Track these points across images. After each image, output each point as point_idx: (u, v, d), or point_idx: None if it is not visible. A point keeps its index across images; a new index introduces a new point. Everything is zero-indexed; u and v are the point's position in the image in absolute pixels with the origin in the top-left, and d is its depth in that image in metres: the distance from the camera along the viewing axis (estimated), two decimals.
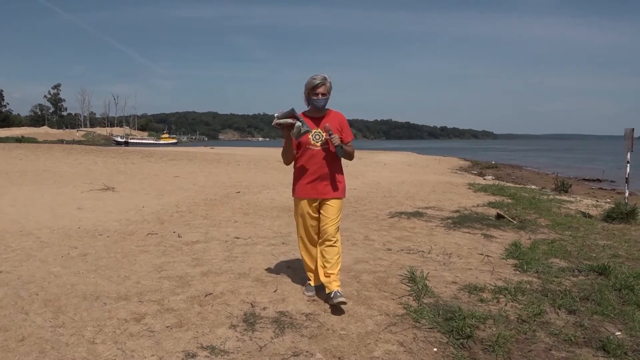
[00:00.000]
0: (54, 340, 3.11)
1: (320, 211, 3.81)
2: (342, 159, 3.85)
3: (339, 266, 3.82)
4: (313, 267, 3.97)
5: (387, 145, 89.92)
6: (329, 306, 3.69)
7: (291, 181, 3.95)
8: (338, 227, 3.82)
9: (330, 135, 3.61)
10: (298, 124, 3.51)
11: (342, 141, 3.69)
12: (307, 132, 3.58)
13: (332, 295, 3.61)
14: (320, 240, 3.85)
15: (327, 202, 3.77)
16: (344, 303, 3.54)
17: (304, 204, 3.79)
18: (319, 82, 3.62)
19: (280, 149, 3.93)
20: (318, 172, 3.72)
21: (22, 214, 7.79)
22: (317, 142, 3.70)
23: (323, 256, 3.80)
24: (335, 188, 3.77)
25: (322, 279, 3.78)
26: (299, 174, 3.81)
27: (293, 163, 3.88)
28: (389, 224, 7.24)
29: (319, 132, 3.69)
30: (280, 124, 3.58)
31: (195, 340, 3.13)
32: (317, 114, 3.76)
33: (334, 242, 3.78)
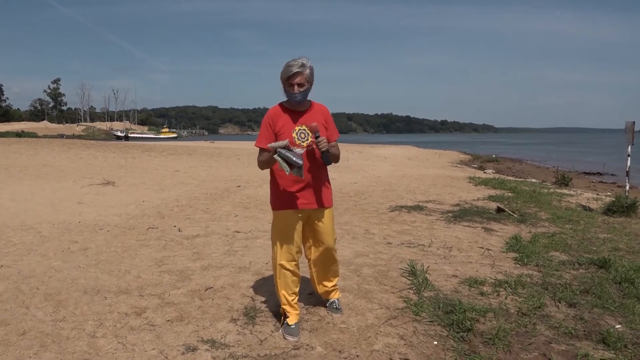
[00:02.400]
0: (55, 334, 3.12)
1: (312, 225, 3.26)
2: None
3: (338, 277, 3.57)
4: (292, 300, 3.26)
5: (387, 139, 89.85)
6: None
7: None
8: (335, 238, 3.44)
9: (317, 138, 2.98)
10: (294, 170, 2.97)
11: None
12: (299, 175, 3.00)
13: (327, 304, 3.54)
14: (315, 256, 3.38)
15: (319, 214, 3.23)
16: (339, 314, 3.45)
17: (290, 216, 3.16)
18: (294, 70, 2.94)
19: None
20: (307, 179, 3.11)
21: (22, 208, 7.80)
22: (303, 142, 3.07)
23: (322, 268, 3.44)
24: (325, 196, 3.22)
25: (319, 289, 3.54)
26: (282, 181, 3.14)
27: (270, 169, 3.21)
28: (389, 217, 7.23)
29: (304, 130, 3.08)
30: (274, 153, 2.94)
31: (195, 334, 3.13)
32: (297, 107, 3.11)
33: (333, 252, 3.39)
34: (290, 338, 3.08)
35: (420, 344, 3.05)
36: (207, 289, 3.93)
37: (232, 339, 3.06)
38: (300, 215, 3.19)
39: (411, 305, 3.61)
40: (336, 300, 3.55)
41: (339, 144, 3.29)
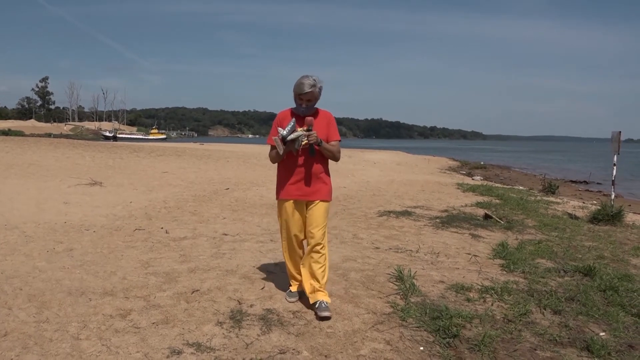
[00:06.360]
0: (38, 336, 3.07)
1: (306, 215, 3.59)
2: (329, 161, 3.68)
3: (326, 277, 3.63)
4: (295, 273, 3.80)
5: (376, 144, 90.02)
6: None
7: None
8: (325, 231, 3.62)
9: (309, 129, 3.38)
10: (301, 135, 3.38)
11: (327, 141, 3.52)
12: (293, 150, 3.45)
13: (316, 306, 3.51)
14: (307, 248, 3.64)
15: (313, 205, 3.57)
16: (328, 318, 3.43)
17: (288, 206, 3.59)
18: (306, 90, 3.41)
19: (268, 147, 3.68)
20: (303, 172, 3.53)
21: (7, 207, 7.69)
22: (302, 141, 3.47)
23: (310, 266, 3.59)
24: (321, 190, 3.58)
25: (307, 288, 3.61)
26: (283, 174, 3.63)
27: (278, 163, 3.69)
28: (377, 222, 7.25)
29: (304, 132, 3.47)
30: (292, 139, 3.40)
31: (181, 336, 3.11)
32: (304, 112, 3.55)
33: (321, 249, 3.57)
34: (289, 299, 3.76)
35: (406, 350, 3.06)
36: (193, 292, 3.90)
37: (217, 343, 3.04)
38: (297, 204, 3.60)
39: (398, 310, 3.62)
40: (324, 302, 3.51)
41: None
